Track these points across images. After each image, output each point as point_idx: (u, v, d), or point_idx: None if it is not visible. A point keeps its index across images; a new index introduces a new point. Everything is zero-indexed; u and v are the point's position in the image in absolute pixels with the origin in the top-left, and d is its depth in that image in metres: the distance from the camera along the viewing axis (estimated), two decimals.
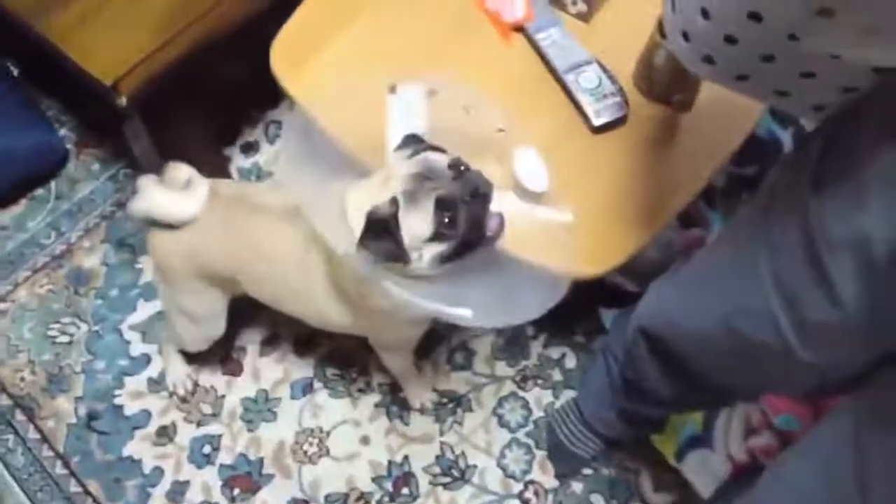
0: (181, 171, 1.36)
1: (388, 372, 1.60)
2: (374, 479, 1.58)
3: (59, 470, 1.61)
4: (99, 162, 1.94)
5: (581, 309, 1.67)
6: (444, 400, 1.65)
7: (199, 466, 1.61)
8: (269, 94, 1.65)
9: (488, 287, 1.20)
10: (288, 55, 1.39)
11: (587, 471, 1.57)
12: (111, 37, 1.48)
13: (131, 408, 1.66)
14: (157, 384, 1.68)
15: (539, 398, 1.64)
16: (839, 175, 0.79)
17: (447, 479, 1.58)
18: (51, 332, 1.74)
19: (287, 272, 1.34)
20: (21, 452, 1.62)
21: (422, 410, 1.63)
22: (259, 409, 1.65)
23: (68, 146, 1.95)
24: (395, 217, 1.10)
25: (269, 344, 1.71)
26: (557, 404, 1.62)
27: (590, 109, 1.35)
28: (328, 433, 1.62)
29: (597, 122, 1.34)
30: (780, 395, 1.52)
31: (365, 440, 1.62)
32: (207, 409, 1.65)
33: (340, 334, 1.54)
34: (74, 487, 1.59)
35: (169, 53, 1.49)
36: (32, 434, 1.64)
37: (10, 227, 1.86)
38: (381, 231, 1.10)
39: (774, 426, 1.55)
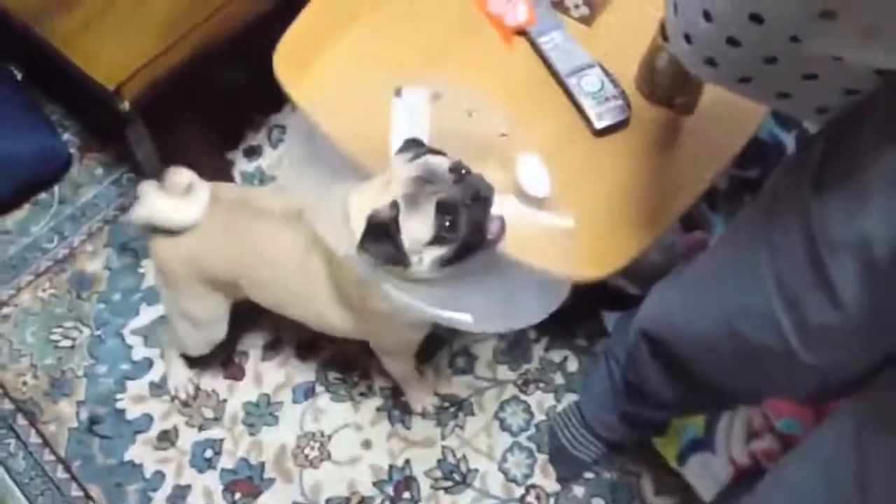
0: (181, 175, 1.36)
1: (389, 376, 1.60)
2: (375, 483, 1.58)
3: (61, 474, 1.60)
4: (102, 166, 1.94)
5: (583, 312, 1.67)
6: (446, 404, 1.64)
7: (201, 471, 1.60)
8: (272, 99, 1.66)
9: (489, 291, 1.21)
10: (291, 59, 1.40)
11: (589, 474, 1.57)
12: (114, 41, 1.49)
13: (133, 412, 1.66)
14: (158, 388, 1.68)
15: (541, 402, 1.64)
16: (841, 177, 0.79)
17: (449, 483, 1.58)
18: (53, 337, 1.74)
19: (289, 276, 1.34)
20: (22, 457, 1.62)
21: (423, 414, 1.63)
22: (261, 413, 1.65)
23: (71, 150, 1.95)
24: (395, 220, 1.10)
25: (270, 348, 1.71)
26: (559, 408, 1.62)
27: (592, 113, 1.35)
28: (330, 437, 1.62)
29: (599, 125, 1.34)
30: (781, 398, 1.52)
31: (366, 444, 1.61)
32: (209, 414, 1.65)
33: (342, 338, 1.53)
34: (76, 492, 1.59)
35: (172, 58, 1.49)
36: (34, 438, 1.64)
37: (13, 232, 1.86)
38: (381, 234, 1.10)
39: (776, 430, 1.55)
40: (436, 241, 1.12)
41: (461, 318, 1.15)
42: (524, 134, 1.31)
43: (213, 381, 1.68)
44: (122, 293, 1.78)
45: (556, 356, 1.68)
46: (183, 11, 1.52)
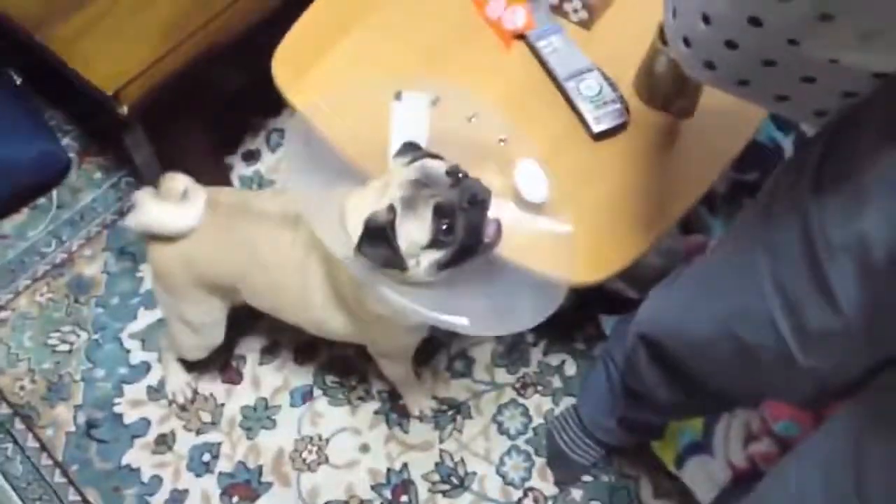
0: (178, 181, 1.36)
1: (387, 379, 1.60)
2: (373, 487, 1.58)
3: (58, 478, 1.60)
4: (101, 171, 1.94)
5: (581, 316, 1.67)
6: (444, 407, 1.64)
7: (198, 475, 1.60)
8: (271, 103, 1.65)
9: (486, 295, 1.21)
10: (289, 64, 1.40)
11: (587, 478, 1.57)
12: (113, 47, 1.49)
13: (130, 416, 1.66)
14: (156, 392, 1.67)
15: (539, 405, 1.64)
16: (839, 179, 0.80)
17: (446, 487, 1.57)
18: (51, 341, 1.74)
19: (286, 280, 1.34)
20: (20, 461, 1.62)
21: (421, 418, 1.63)
22: (258, 416, 1.65)
23: (70, 155, 1.95)
24: (392, 224, 1.10)
25: (268, 352, 1.71)
26: (557, 411, 1.62)
27: (590, 116, 1.35)
28: (327, 441, 1.62)
29: (597, 129, 1.35)
30: (780, 401, 1.52)
31: (364, 448, 1.61)
32: (207, 418, 1.65)
33: (340, 342, 1.53)
34: (73, 496, 1.58)
35: (170, 63, 1.49)
36: (31, 442, 1.64)
37: (11, 236, 1.86)
38: (378, 237, 1.10)
39: (774, 432, 1.54)
40: (433, 244, 1.12)
41: (458, 322, 1.15)
42: (523, 139, 1.32)
43: (211, 385, 1.68)
44: (119, 297, 1.78)
45: (554, 360, 1.68)
46: (181, 17, 1.52)
